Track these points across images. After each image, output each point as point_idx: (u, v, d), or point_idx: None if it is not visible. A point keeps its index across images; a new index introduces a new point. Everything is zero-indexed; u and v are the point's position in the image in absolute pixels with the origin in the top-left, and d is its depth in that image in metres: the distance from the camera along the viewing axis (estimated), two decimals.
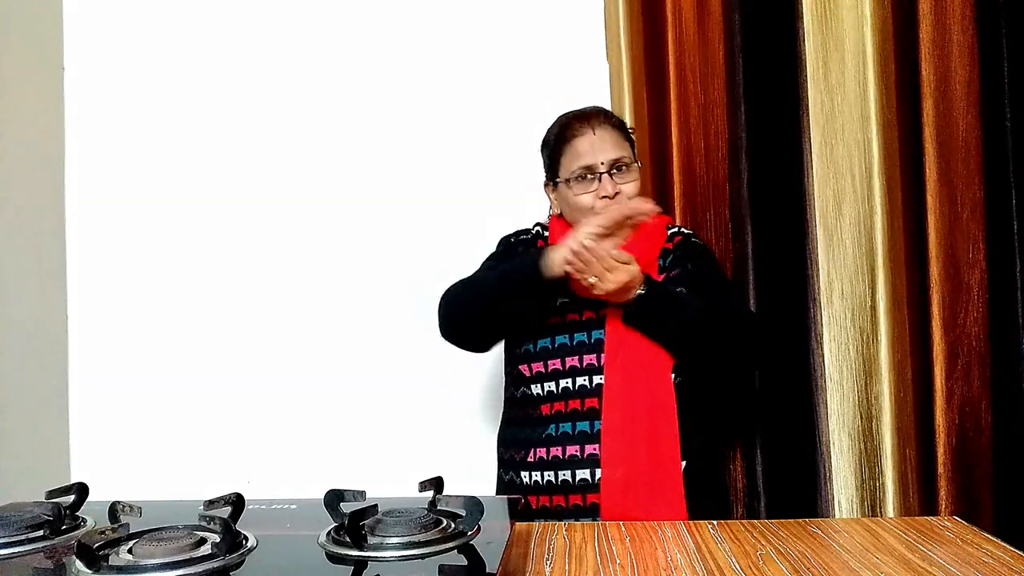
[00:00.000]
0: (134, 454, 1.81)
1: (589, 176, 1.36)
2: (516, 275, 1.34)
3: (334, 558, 0.76)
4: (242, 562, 0.74)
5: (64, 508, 0.86)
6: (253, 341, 1.82)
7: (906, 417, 1.56)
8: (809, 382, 1.60)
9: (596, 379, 1.31)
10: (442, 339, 1.40)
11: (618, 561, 0.91)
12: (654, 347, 1.30)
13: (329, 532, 0.81)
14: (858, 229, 1.58)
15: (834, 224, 1.59)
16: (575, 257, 1.23)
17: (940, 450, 1.55)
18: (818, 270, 1.59)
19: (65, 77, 1.87)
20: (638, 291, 1.27)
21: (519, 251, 1.46)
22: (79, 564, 0.69)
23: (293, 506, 0.96)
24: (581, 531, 1.05)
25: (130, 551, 0.74)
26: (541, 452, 1.33)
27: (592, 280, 1.23)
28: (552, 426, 1.33)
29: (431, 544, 0.76)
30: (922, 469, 1.56)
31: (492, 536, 0.80)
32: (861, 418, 1.56)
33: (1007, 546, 0.94)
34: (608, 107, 1.56)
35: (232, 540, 0.75)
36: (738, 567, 0.88)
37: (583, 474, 1.29)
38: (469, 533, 0.79)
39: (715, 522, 1.07)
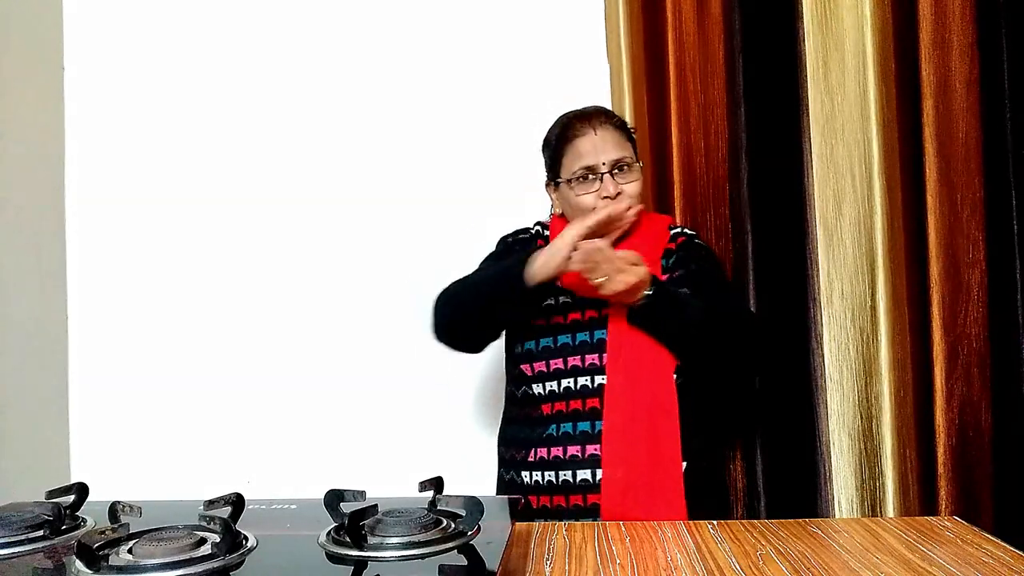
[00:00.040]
0: (134, 454, 1.81)
1: (591, 176, 1.36)
2: (500, 280, 1.34)
3: (334, 558, 0.76)
4: (242, 562, 0.74)
5: (64, 508, 0.86)
6: (253, 341, 1.83)
7: (906, 417, 1.56)
8: (809, 382, 1.60)
9: (598, 379, 1.31)
10: None
11: (618, 561, 0.91)
12: (656, 347, 1.30)
13: (329, 532, 0.81)
14: (858, 229, 1.58)
15: (834, 224, 1.59)
16: (585, 257, 1.23)
17: (940, 450, 1.56)
18: (818, 270, 1.59)
19: (65, 77, 1.87)
20: (645, 292, 1.26)
21: (516, 250, 1.45)
22: (79, 564, 0.69)
23: (293, 506, 0.96)
24: (581, 531, 1.05)
25: (130, 551, 0.74)
26: (542, 452, 1.33)
27: (601, 280, 1.23)
28: (553, 426, 1.33)
29: (431, 544, 0.76)
30: (922, 469, 1.56)
31: (492, 536, 0.80)
32: (861, 418, 1.56)
33: (1007, 546, 0.94)
34: (608, 107, 1.55)
35: (232, 540, 0.75)
36: (738, 567, 0.88)
37: (584, 474, 1.29)
38: (469, 533, 0.79)
39: (715, 522, 1.07)
